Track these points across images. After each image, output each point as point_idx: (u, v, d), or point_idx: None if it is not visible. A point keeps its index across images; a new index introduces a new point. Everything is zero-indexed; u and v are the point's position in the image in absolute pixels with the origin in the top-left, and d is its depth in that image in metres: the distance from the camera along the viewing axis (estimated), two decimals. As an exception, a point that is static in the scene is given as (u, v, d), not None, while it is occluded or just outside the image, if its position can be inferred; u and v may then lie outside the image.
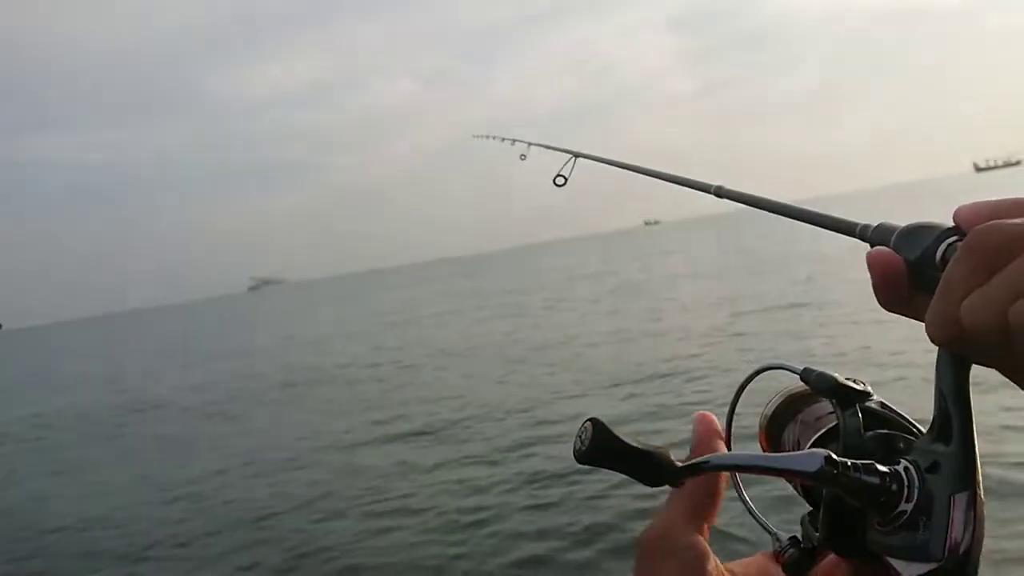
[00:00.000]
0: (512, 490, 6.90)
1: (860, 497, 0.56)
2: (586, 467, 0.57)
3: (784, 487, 0.68)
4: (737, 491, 0.70)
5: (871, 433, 0.62)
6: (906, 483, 0.55)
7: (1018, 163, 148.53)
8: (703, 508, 0.63)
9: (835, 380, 0.65)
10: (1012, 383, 0.52)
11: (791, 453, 0.61)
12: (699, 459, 0.60)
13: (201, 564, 6.47)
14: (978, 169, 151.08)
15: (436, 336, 21.07)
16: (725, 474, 0.64)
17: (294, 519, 7.13)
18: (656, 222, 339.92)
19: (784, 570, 0.65)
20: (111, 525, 7.93)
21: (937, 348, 0.54)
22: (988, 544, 0.52)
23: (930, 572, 0.52)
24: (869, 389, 0.66)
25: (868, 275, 0.57)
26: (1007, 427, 6.25)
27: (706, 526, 0.63)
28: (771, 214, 0.92)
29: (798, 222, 0.81)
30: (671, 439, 7.03)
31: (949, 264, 0.51)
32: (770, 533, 0.68)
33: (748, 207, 0.97)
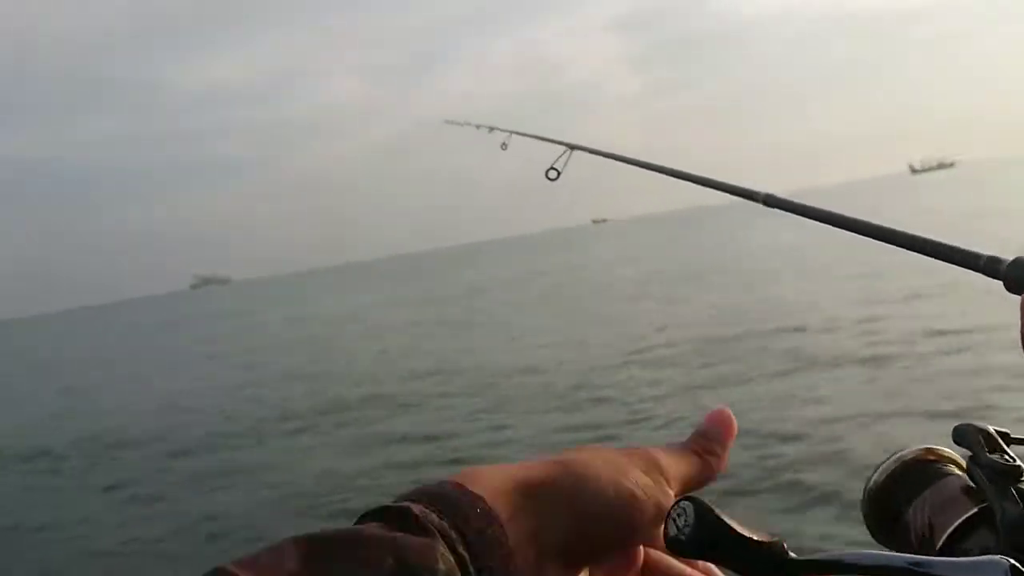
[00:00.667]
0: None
1: None
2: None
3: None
4: None
5: None
6: None
7: (951, 165, 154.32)
8: None
9: (1001, 465, 0.54)
10: None
11: (956, 560, 0.45)
12: (827, 555, 0.45)
13: None
14: (913, 171, 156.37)
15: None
16: None
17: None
18: (604, 220, 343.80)
19: None
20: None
21: None
22: None
23: None
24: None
25: None
26: None
27: None
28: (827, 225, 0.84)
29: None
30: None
31: None
32: None
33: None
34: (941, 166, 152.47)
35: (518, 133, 2.10)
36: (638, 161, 1.41)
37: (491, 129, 2.36)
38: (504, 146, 2.27)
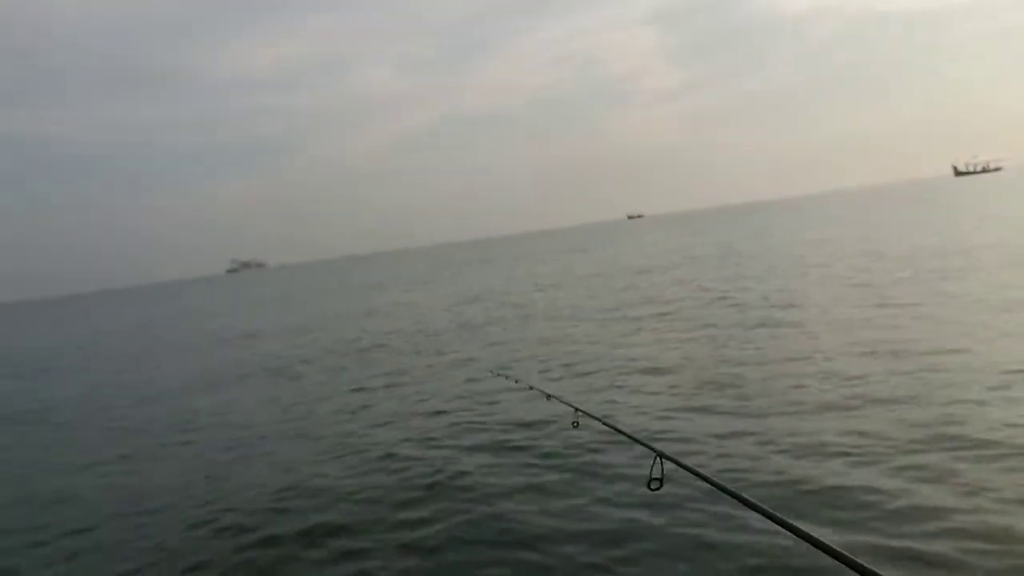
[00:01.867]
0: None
1: None
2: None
3: None
4: None
5: None
6: None
7: (998, 169, 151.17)
8: None
9: None
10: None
11: None
12: None
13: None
14: (957, 173, 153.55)
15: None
16: None
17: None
18: (640, 216, 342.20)
19: None
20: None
21: None
22: None
23: None
24: None
25: None
26: None
27: None
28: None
29: None
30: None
31: None
32: None
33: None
34: (986, 170, 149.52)
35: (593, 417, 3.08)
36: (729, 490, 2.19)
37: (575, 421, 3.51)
38: (576, 424, 3.53)
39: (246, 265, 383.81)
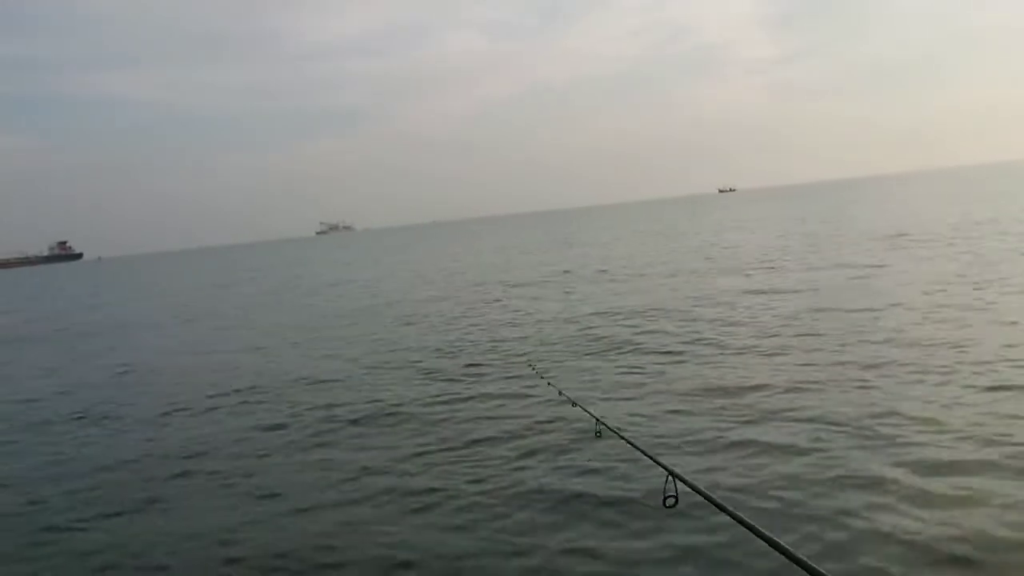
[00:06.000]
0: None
1: None
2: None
3: None
4: None
5: None
6: None
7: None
8: None
9: None
10: None
11: None
12: None
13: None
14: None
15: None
16: None
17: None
18: (731, 190, 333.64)
19: None
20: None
21: None
22: None
23: None
24: None
25: None
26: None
27: None
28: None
29: None
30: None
31: None
32: None
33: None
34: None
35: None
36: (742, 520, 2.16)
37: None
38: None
39: (334, 227, 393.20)
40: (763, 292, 15.47)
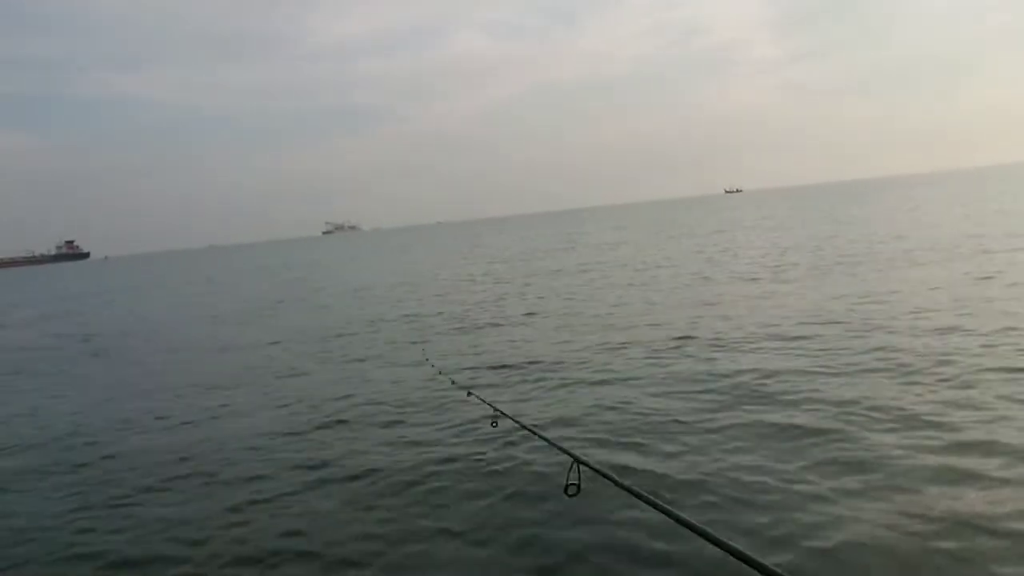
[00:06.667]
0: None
1: None
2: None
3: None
4: None
5: None
6: None
7: None
8: None
9: None
10: None
11: None
12: None
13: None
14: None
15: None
16: None
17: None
18: (738, 190, 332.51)
19: None
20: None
21: None
22: None
23: None
24: None
25: None
26: None
27: None
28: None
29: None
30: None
31: None
32: None
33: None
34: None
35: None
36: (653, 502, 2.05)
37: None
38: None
39: (340, 227, 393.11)
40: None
